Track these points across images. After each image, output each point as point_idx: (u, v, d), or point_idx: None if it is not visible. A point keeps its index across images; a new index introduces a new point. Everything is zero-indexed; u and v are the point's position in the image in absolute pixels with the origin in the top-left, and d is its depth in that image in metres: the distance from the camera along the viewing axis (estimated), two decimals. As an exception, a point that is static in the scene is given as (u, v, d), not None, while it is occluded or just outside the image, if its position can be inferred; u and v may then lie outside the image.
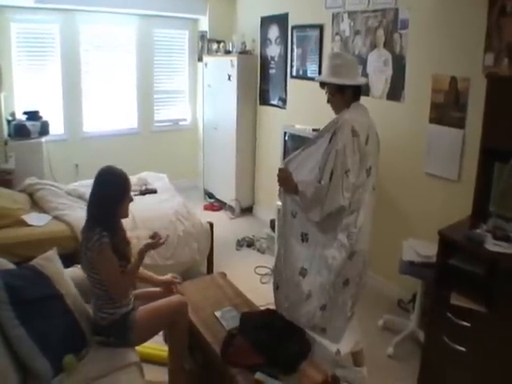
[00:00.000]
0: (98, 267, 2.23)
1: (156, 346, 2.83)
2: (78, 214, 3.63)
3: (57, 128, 5.39)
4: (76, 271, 2.60)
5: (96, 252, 2.19)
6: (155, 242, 2.41)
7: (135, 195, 4.18)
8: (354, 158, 2.31)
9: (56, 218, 3.64)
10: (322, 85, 2.58)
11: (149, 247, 2.40)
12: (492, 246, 2.39)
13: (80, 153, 5.56)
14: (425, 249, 2.99)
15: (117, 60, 5.88)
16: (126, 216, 2.42)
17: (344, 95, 2.45)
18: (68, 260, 2.62)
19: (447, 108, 3.21)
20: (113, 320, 2.28)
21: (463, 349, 2.43)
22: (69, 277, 2.47)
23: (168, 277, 2.72)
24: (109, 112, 5.95)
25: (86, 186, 4.26)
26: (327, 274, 2.41)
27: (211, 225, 4.01)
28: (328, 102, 2.55)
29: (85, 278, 2.38)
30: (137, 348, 2.40)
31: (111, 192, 2.29)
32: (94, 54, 5.68)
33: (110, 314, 2.29)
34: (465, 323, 2.41)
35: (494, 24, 2.82)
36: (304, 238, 2.52)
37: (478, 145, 2.72)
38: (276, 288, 2.66)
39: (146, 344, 2.53)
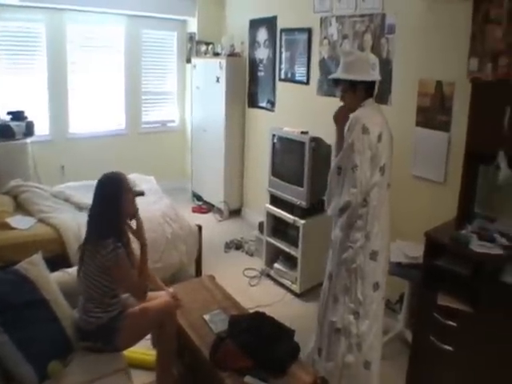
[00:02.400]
0: (115, 275, 2.27)
1: (143, 350, 2.81)
2: (65, 217, 3.61)
3: (42, 129, 5.33)
4: (62, 275, 2.57)
5: (112, 262, 2.22)
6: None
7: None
8: (364, 155, 2.31)
9: (41, 220, 3.59)
10: (336, 83, 2.58)
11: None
12: (477, 246, 2.43)
13: (66, 154, 5.51)
14: (412, 250, 3.02)
15: (104, 60, 5.84)
16: (133, 214, 2.43)
17: (356, 92, 2.44)
18: (53, 264, 2.59)
19: (433, 111, 3.25)
20: (100, 324, 2.27)
21: (450, 348, 2.46)
22: (54, 281, 2.44)
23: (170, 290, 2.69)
24: (96, 113, 5.90)
25: (72, 187, 4.24)
26: (348, 276, 2.41)
27: (199, 227, 4.01)
28: (340, 99, 2.54)
29: (70, 281, 2.36)
30: (124, 353, 2.38)
31: (109, 191, 2.34)
32: (81, 54, 5.63)
33: (98, 317, 2.27)
34: (451, 323, 2.44)
35: (478, 30, 2.86)
36: (330, 243, 2.56)
37: (463, 147, 2.76)
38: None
39: (133, 348, 2.51)
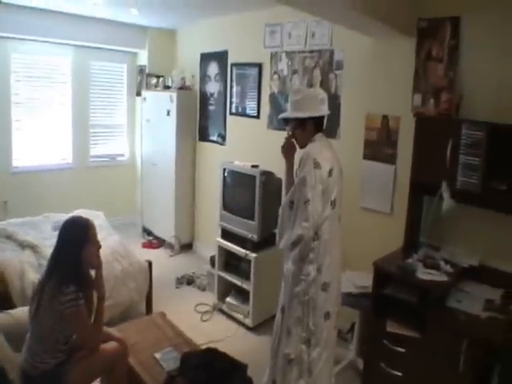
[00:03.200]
0: (70, 324, 2.17)
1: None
2: (7, 256, 3.43)
3: (-17, 163, 5.10)
4: (4, 317, 2.42)
5: (70, 311, 2.12)
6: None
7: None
8: (316, 190, 2.34)
9: (-19, 259, 3.38)
10: (286, 122, 2.63)
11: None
12: (423, 274, 2.53)
13: (9, 189, 5.25)
14: (362, 280, 3.07)
15: (51, 92, 5.68)
16: (96, 265, 2.35)
17: (305, 128, 2.49)
18: (-6, 304, 2.45)
19: (380, 145, 3.38)
20: (45, 370, 2.14)
21: (399, 373, 2.52)
22: (-5, 324, 2.30)
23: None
24: (41, 146, 5.69)
25: (14, 224, 4.03)
26: (301, 308, 2.41)
27: (150, 263, 3.91)
28: (292, 137, 2.58)
29: (13, 324, 2.22)
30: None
31: (72, 235, 2.26)
32: (26, 85, 5.45)
33: (45, 363, 2.15)
34: (400, 349, 2.51)
35: (421, 66, 3.04)
36: (283, 276, 2.54)
37: (409, 179, 2.88)
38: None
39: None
